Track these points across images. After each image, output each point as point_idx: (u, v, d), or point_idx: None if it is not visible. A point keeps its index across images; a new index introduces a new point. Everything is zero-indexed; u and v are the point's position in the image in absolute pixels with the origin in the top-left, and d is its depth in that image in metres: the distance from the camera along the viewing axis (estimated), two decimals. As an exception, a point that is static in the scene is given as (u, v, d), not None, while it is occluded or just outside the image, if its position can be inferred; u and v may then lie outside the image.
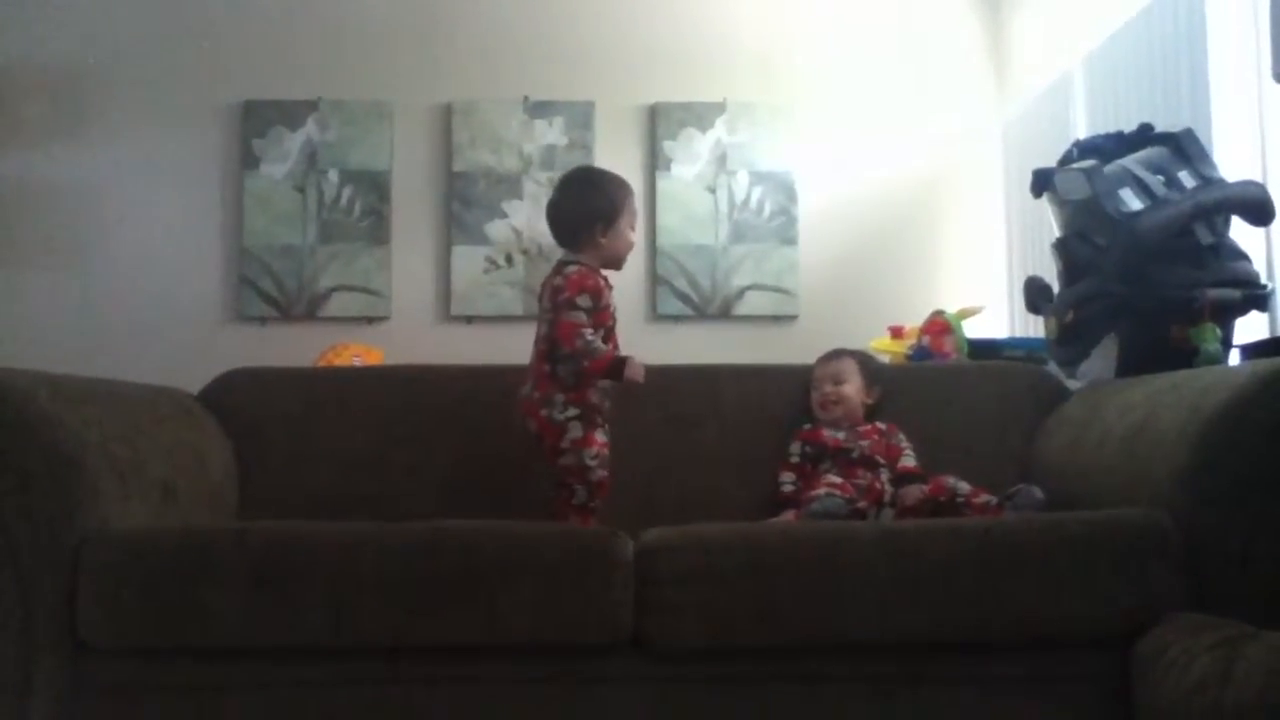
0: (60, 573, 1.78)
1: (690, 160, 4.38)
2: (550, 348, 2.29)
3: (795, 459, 2.50)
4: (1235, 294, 2.30)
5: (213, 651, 1.82)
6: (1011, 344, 3.36)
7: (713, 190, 4.37)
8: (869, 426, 2.52)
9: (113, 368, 2.50)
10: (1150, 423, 1.96)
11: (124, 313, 4.21)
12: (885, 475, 2.43)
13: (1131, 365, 2.32)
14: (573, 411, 2.27)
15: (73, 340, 4.06)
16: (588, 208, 2.39)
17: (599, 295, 2.31)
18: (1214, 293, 2.26)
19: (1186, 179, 2.38)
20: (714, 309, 4.32)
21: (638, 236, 2.62)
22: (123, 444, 2.00)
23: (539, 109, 4.38)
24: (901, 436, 2.51)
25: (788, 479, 2.46)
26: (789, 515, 2.32)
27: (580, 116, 4.37)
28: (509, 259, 4.30)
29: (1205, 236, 2.31)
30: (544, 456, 2.31)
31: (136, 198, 4.28)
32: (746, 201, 4.36)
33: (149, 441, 2.10)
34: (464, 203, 4.33)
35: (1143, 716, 1.70)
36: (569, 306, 2.27)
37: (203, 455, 2.31)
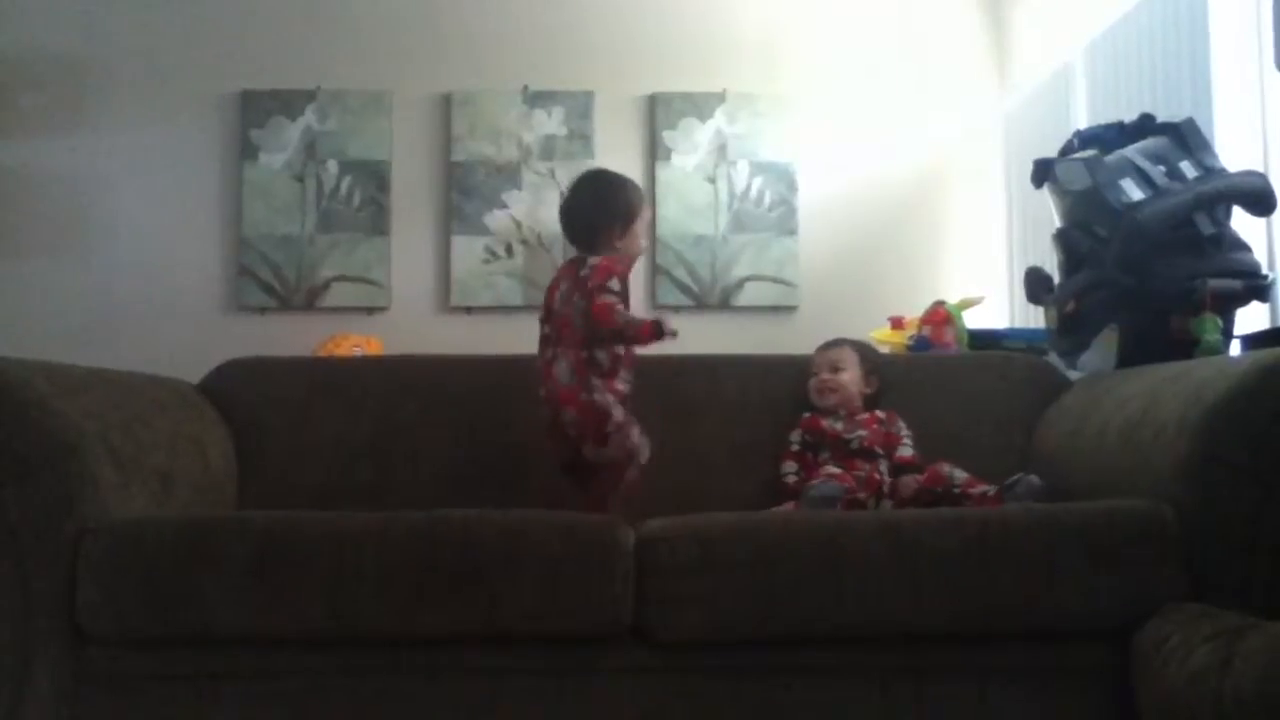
0: (59, 562, 1.78)
1: (690, 150, 4.37)
2: (587, 334, 2.29)
3: (796, 447, 2.50)
4: (1236, 284, 2.30)
5: (212, 641, 1.82)
6: (1012, 334, 3.36)
7: (713, 180, 4.36)
8: (868, 416, 2.52)
9: (112, 357, 2.49)
10: (1151, 413, 1.96)
11: (123, 303, 4.21)
12: (884, 466, 2.43)
13: (1132, 356, 2.31)
14: (610, 396, 2.28)
15: (72, 330, 4.07)
16: (606, 209, 2.42)
17: (625, 280, 2.35)
18: (1215, 283, 2.26)
19: (1188, 169, 2.37)
20: (714, 299, 4.32)
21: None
22: (122, 433, 1.99)
23: (538, 99, 4.37)
24: (901, 424, 2.51)
25: (790, 469, 2.46)
26: (789, 507, 2.32)
27: (580, 106, 4.36)
28: (509, 249, 4.29)
29: (1206, 227, 2.30)
30: (580, 445, 2.28)
31: (135, 188, 4.28)
32: (746, 192, 4.36)
33: (148, 431, 2.10)
34: (463, 193, 4.32)
35: (1142, 707, 1.70)
36: (601, 290, 2.28)
37: (202, 445, 2.31)
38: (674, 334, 2.27)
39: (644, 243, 2.50)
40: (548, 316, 2.39)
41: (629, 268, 2.45)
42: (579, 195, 2.49)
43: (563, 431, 2.29)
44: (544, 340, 2.38)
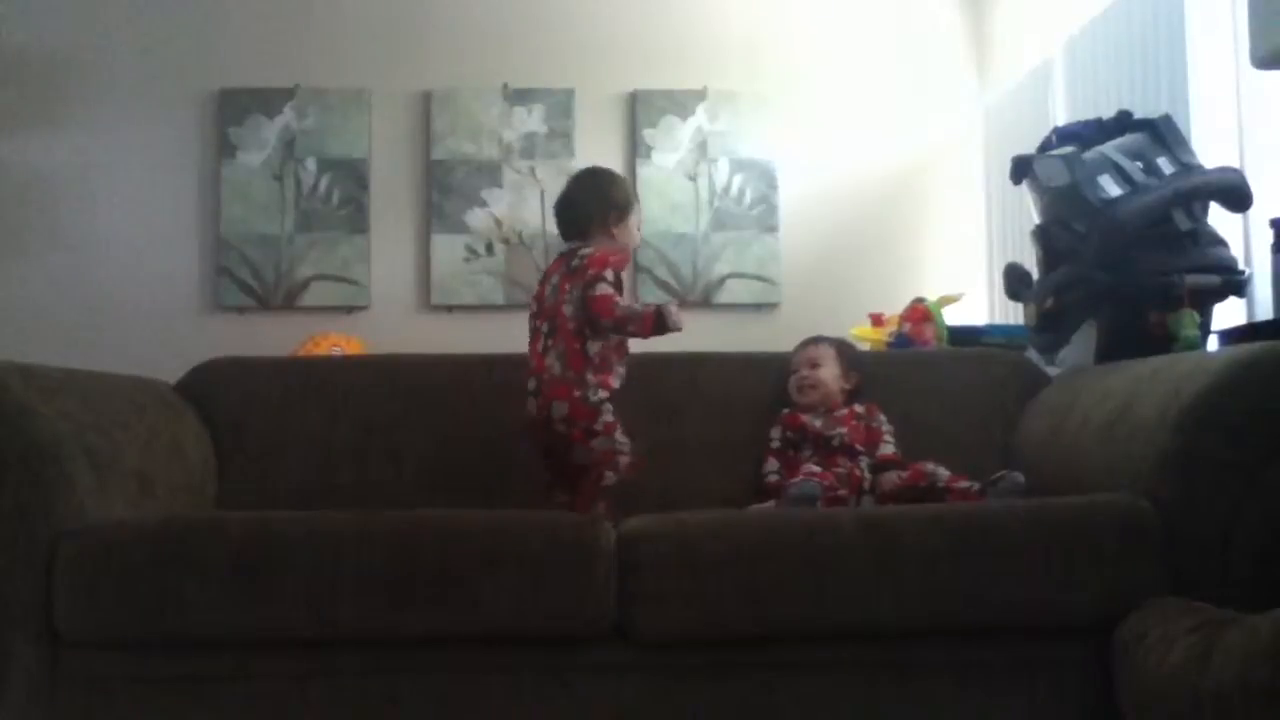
0: (36, 565, 1.77)
1: (671, 148, 4.36)
2: (582, 325, 2.26)
3: (776, 444, 2.50)
4: (1214, 280, 2.31)
5: (191, 643, 1.81)
6: (991, 331, 3.36)
7: (694, 178, 4.36)
8: (846, 411, 2.52)
9: (89, 358, 2.47)
10: (1130, 409, 1.97)
11: (100, 303, 4.17)
12: (865, 463, 2.43)
13: (1111, 351, 2.33)
14: (603, 394, 2.26)
15: (48, 330, 4.02)
16: (602, 197, 2.43)
17: (620, 269, 2.32)
18: (1192, 279, 2.27)
19: (1165, 165, 2.39)
20: (695, 297, 4.31)
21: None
22: (99, 435, 1.98)
23: (519, 96, 4.35)
24: (882, 418, 2.51)
25: (772, 467, 2.46)
26: (770, 505, 2.32)
27: (560, 104, 4.35)
28: (489, 247, 4.27)
29: (1184, 223, 2.32)
30: (567, 441, 2.24)
31: (112, 186, 4.24)
32: (727, 189, 4.36)
33: (126, 432, 2.08)
34: (443, 191, 4.30)
35: (1123, 701, 1.71)
36: (597, 280, 2.26)
37: (181, 446, 2.29)
38: (678, 328, 2.21)
39: (639, 238, 2.49)
40: (539, 309, 2.37)
41: (625, 261, 2.42)
42: (574, 187, 2.50)
43: (551, 426, 2.26)
44: (535, 332, 2.36)
